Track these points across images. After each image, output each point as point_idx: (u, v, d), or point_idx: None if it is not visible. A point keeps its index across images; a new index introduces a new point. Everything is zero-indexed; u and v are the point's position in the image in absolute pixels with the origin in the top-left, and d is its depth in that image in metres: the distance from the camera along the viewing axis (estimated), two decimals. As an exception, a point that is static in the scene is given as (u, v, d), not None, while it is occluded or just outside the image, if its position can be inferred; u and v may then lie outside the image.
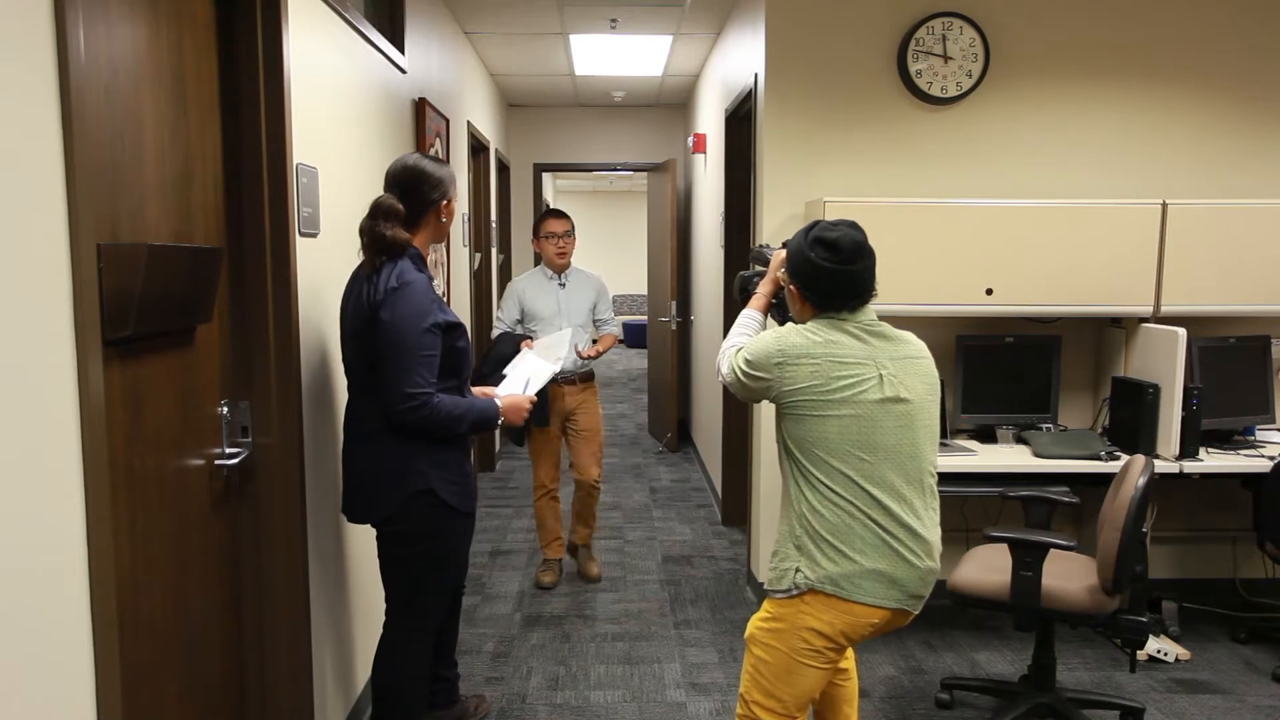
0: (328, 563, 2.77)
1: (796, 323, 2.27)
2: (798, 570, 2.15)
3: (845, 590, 2.11)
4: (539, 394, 3.25)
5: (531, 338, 4.02)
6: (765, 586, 2.26)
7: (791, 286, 2.25)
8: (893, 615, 2.16)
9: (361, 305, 2.41)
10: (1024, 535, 2.88)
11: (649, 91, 7.53)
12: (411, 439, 2.43)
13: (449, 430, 2.44)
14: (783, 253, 2.38)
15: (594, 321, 4.36)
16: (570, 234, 4.29)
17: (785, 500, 2.24)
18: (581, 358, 4.20)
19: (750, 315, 2.45)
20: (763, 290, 2.47)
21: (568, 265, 4.31)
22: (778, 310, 2.47)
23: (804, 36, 3.93)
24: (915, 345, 2.24)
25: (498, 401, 2.63)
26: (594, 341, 4.36)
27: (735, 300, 2.70)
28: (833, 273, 2.15)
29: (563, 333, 3.81)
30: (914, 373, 2.19)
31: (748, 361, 2.22)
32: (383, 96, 3.47)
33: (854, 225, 2.20)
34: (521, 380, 3.04)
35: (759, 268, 2.65)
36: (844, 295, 2.18)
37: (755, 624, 2.27)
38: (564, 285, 4.30)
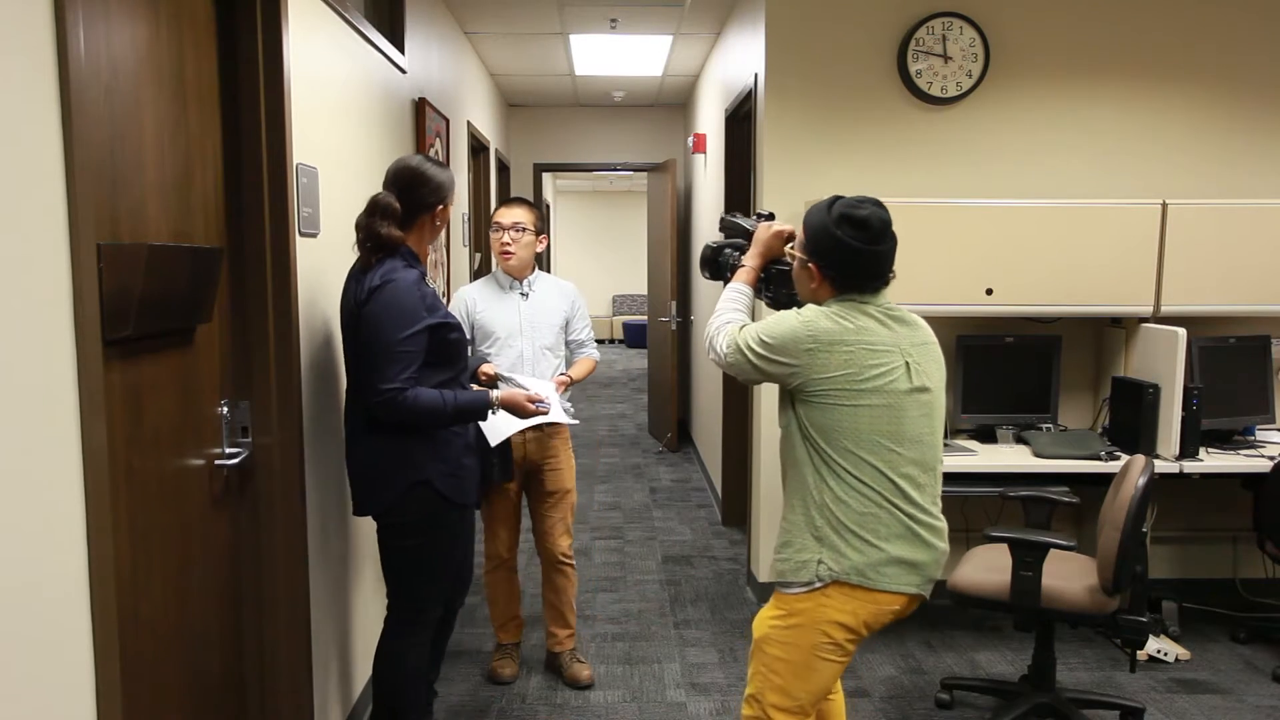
0: (328, 563, 2.77)
1: (801, 303, 2.20)
2: (820, 562, 2.08)
3: (871, 579, 2.06)
4: (502, 445, 3.07)
5: (488, 359, 3.19)
6: (777, 580, 2.18)
7: (811, 264, 2.15)
8: (909, 601, 2.14)
9: (350, 303, 2.45)
10: (1024, 535, 2.88)
11: (649, 91, 7.53)
12: (407, 432, 2.44)
13: (431, 422, 2.43)
14: (770, 225, 2.33)
15: (567, 343, 3.43)
16: (522, 229, 3.25)
17: (796, 489, 2.15)
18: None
19: (740, 290, 2.33)
20: (751, 264, 2.35)
21: (523, 268, 3.30)
22: (765, 286, 2.36)
23: (804, 37, 3.93)
24: (927, 330, 2.20)
25: (492, 394, 2.58)
26: (565, 372, 3.32)
27: (705, 273, 2.56)
28: (860, 252, 2.07)
29: (542, 383, 3.13)
30: (932, 360, 2.16)
31: (764, 344, 2.11)
32: (383, 96, 3.47)
33: (879, 203, 2.12)
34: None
35: (732, 239, 2.52)
36: (869, 276, 2.10)
37: (767, 623, 2.18)
38: (526, 295, 3.32)
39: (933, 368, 2.15)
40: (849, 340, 2.06)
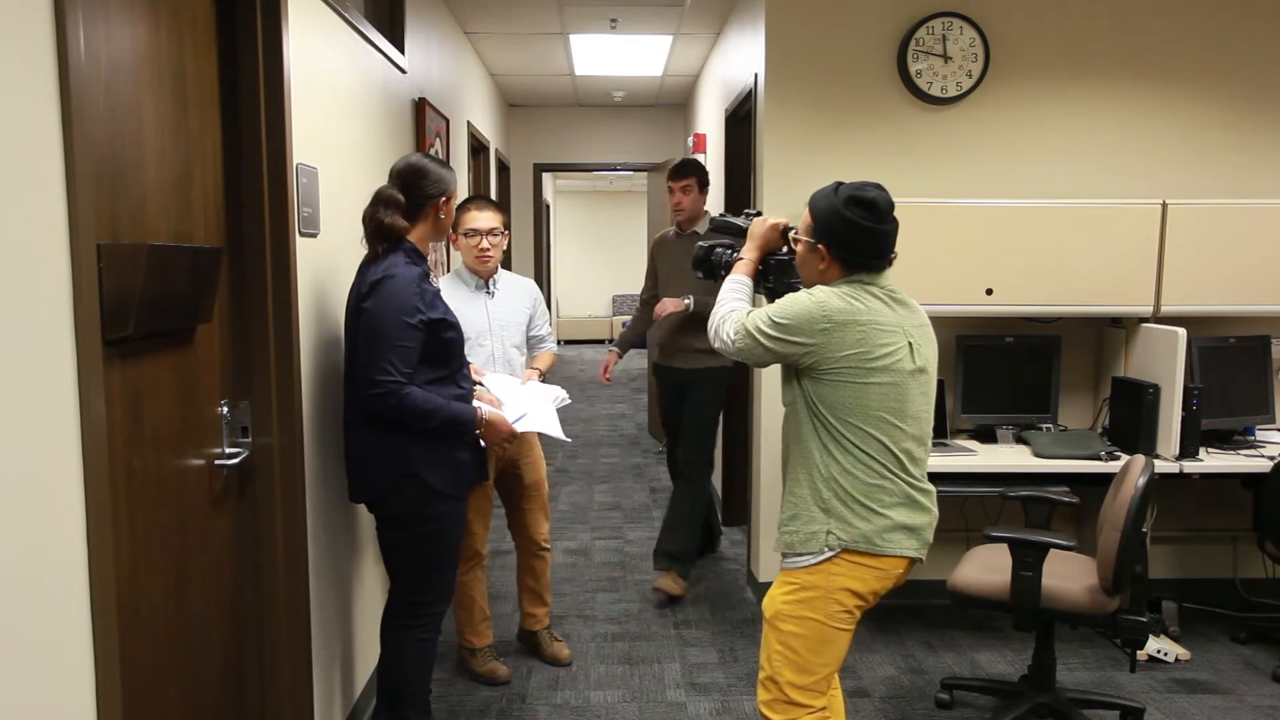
0: (328, 562, 2.77)
1: (779, 295, 2.31)
2: (829, 532, 2.18)
3: (878, 545, 2.17)
4: (476, 444, 3.02)
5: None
6: (783, 552, 2.26)
7: (821, 245, 2.23)
8: (909, 565, 2.25)
9: (354, 296, 2.52)
10: (1024, 535, 2.88)
11: (649, 91, 7.53)
12: (398, 425, 2.48)
13: (418, 423, 2.47)
14: (765, 219, 2.45)
15: (529, 338, 3.47)
16: (499, 232, 3.26)
17: (801, 464, 2.24)
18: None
19: (740, 281, 2.44)
20: (749, 256, 2.46)
21: (494, 270, 3.35)
22: (764, 277, 2.47)
23: (804, 37, 3.93)
24: (923, 312, 2.32)
25: (481, 412, 2.62)
26: (533, 366, 3.43)
27: (698, 273, 2.68)
28: (871, 231, 2.18)
29: (549, 389, 3.19)
30: (928, 341, 2.28)
31: (777, 325, 2.19)
32: (383, 96, 3.47)
33: (881, 187, 2.23)
34: (518, 408, 2.89)
35: (719, 238, 2.65)
36: (876, 255, 2.21)
37: (779, 601, 2.25)
38: (492, 294, 3.34)
39: (929, 349, 2.28)
40: (861, 320, 2.16)
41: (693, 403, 4.28)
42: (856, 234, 2.19)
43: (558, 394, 3.20)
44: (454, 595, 2.80)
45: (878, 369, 2.15)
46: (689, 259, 3.82)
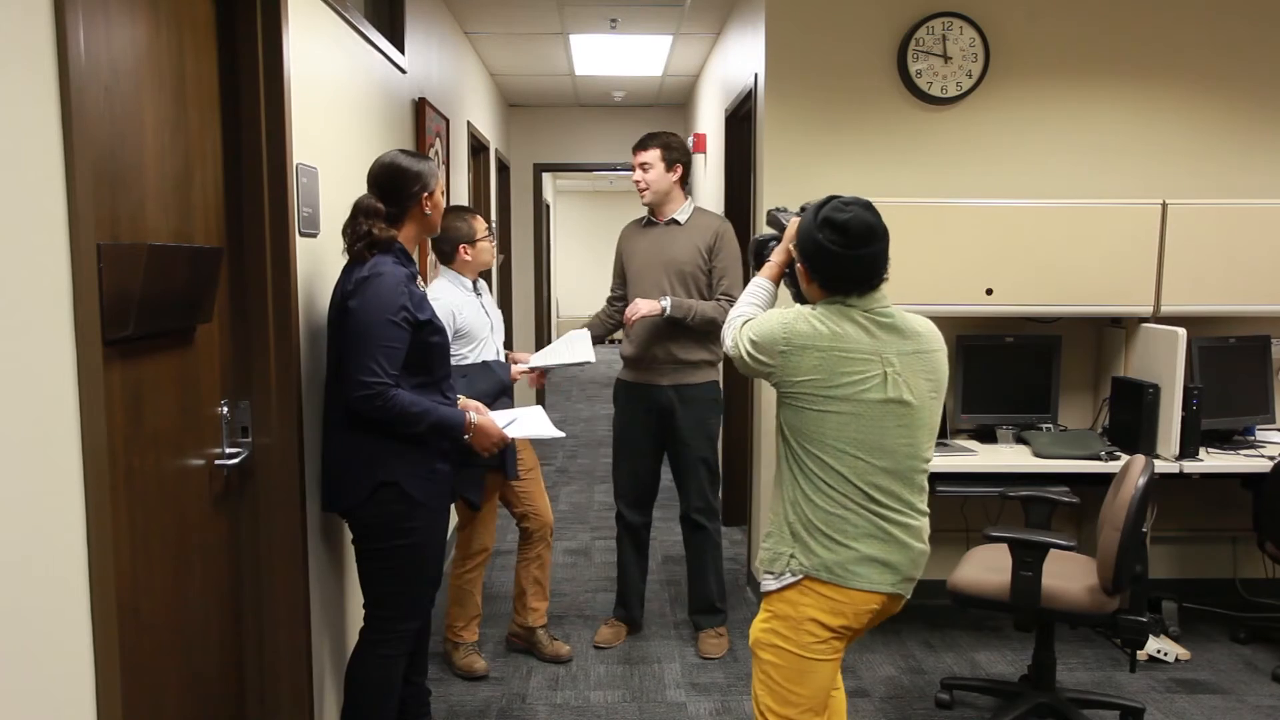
0: (328, 562, 2.77)
1: (805, 301, 2.22)
2: (792, 556, 2.11)
3: (840, 577, 2.07)
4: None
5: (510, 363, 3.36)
6: (760, 568, 2.22)
7: (800, 265, 2.17)
8: (889, 599, 2.13)
9: (337, 296, 2.45)
10: (1024, 535, 2.88)
11: (649, 91, 7.53)
12: (381, 430, 2.42)
13: (405, 426, 2.41)
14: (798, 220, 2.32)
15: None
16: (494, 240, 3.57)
17: (780, 483, 2.20)
18: (514, 379, 3.36)
19: (760, 284, 2.36)
20: (776, 259, 2.34)
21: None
22: (791, 280, 2.35)
23: (804, 37, 3.93)
24: (926, 337, 2.15)
25: (471, 417, 2.55)
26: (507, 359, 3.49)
27: (751, 266, 2.57)
28: (839, 257, 2.06)
29: (577, 335, 3.45)
30: (920, 370, 2.11)
31: (752, 342, 2.14)
32: (383, 96, 3.47)
33: (868, 205, 2.10)
34: (506, 415, 2.84)
35: (774, 232, 2.49)
36: (851, 280, 2.09)
37: (757, 629, 2.21)
38: (480, 294, 3.42)
39: (919, 379, 2.11)
40: (821, 346, 2.06)
41: (687, 428, 3.59)
42: (826, 259, 2.08)
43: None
44: (431, 606, 2.72)
45: (836, 397, 2.04)
46: (666, 253, 3.59)
